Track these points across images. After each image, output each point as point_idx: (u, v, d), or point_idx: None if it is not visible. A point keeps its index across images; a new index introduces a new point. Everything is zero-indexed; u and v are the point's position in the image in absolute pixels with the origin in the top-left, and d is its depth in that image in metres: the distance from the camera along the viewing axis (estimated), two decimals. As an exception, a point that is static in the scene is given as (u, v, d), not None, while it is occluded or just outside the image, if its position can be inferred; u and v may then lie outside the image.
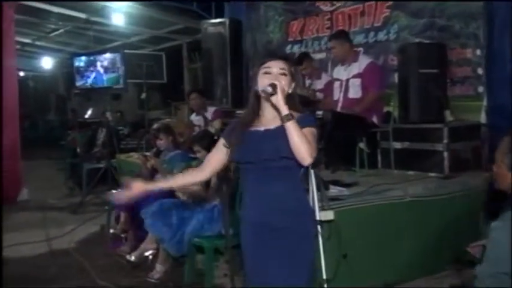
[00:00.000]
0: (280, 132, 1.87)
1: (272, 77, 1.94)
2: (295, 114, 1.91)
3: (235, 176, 3.09)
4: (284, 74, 1.97)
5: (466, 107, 4.66)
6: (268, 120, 1.99)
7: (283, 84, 1.94)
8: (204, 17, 8.07)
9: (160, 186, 2.29)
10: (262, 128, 1.99)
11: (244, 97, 7.40)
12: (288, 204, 1.94)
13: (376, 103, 4.37)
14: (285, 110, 1.85)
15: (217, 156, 2.08)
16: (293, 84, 2.01)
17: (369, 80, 4.33)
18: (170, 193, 4.04)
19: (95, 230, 5.17)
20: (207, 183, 3.71)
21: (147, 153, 4.83)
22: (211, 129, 5.14)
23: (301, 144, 1.81)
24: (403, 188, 3.65)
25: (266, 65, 1.99)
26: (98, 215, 5.52)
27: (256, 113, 2.02)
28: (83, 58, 7.09)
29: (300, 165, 1.89)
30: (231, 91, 7.14)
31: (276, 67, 1.98)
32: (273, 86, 1.89)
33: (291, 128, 1.83)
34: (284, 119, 1.84)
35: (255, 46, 7.52)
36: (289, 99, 1.94)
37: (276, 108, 1.91)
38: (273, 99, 1.88)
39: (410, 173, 4.18)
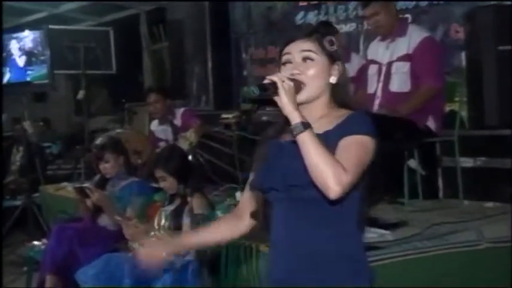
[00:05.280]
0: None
1: (292, 68, 1.97)
2: (342, 113, 1.94)
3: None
4: (310, 58, 1.99)
5: None
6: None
7: (311, 74, 1.96)
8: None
9: (186, 243, 2.30)
10: (289, 139, 1.99)
11: (234, 93, 7.45)
12: (326, 258, 1.93)
13: (432, 100, 4.37)
14: (295, 117, 1.84)
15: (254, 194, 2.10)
16: (337, 68, 2.01)
17: (423, 66, 4.30)
18: (121, 243, 4.05)
19: (9, 301, 5.15)
20: (177, 229, 3.72)
21: (86, 184, 4.84)
22: (184, 144, 5.15)
23: (322, 166, 1.78)
24: (477, 229, 3.64)
25: (285, 50, 2.02)
26: (13, 279, 5.50)
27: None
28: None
29: (352, 194, 1.88)
30: (213, 85, 7.19)
31: (296, 51, 2.00)
32: (267, 85, 1.86)
33: (304, 142, 1.82)
34: (294, 130, 1.83)
35: (249, 16, 7.59)
36: (334, 92, 1.99)
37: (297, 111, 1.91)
38: (278, 101, 1.88)
39: (489, 204, 4.19)
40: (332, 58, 2.00)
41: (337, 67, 2.01)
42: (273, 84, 1.86)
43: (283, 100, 1.85)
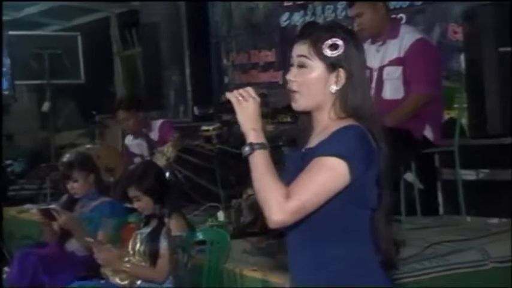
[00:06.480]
0: (303, 159, 1.92)
1: (290, 74, 2.01)
2: (336, 127, 1.90)
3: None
4: (302, 66, 1.97)
5: None
6: (312, 138, 2.02)
7: (301, 82, 1.96)
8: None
9: None
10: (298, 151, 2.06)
11: (214, 102, 7.43)
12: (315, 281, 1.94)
13: (429, 107, 4.38)
14: (248, 137, 1.90)
15: None
16: (337, 75, 1.94)
17: (414, 71, 4.32)
18: (92, 270, 4.03)
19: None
20: (153, 254, 3.71)
21: (53, 205, 4.81)
22: (161, 160, 5.13)
23: (263, 193, 1.84)
24: (482, 247, 3.65)
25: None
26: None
27: (306, 125, 2.06)
28: None
29: (358, 210, 1.93)
30: (192, 93, 7.17)
31: (294, 55, 2.01)
32: (226, 103, 1.96)
33: (251, 165, 1.88)
34: (243, 151, 1.89)
35: (230, 18, 7.60)
36: (338, 102, 1.94)
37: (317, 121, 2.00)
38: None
39: (493, 221, 4.20)
40: (332, 64, 1.94)
41: (338, 74, 1.95)
42: (229, 101, 1.94)
43: (238, 118, 1.92)
